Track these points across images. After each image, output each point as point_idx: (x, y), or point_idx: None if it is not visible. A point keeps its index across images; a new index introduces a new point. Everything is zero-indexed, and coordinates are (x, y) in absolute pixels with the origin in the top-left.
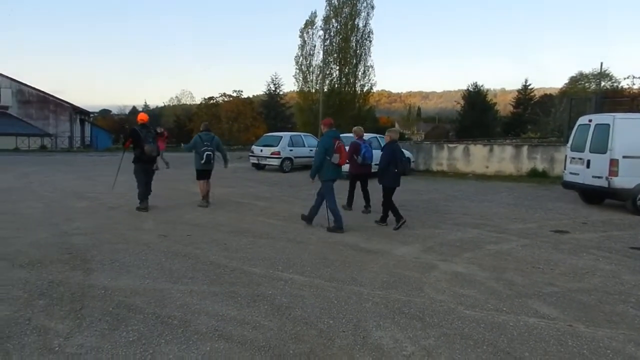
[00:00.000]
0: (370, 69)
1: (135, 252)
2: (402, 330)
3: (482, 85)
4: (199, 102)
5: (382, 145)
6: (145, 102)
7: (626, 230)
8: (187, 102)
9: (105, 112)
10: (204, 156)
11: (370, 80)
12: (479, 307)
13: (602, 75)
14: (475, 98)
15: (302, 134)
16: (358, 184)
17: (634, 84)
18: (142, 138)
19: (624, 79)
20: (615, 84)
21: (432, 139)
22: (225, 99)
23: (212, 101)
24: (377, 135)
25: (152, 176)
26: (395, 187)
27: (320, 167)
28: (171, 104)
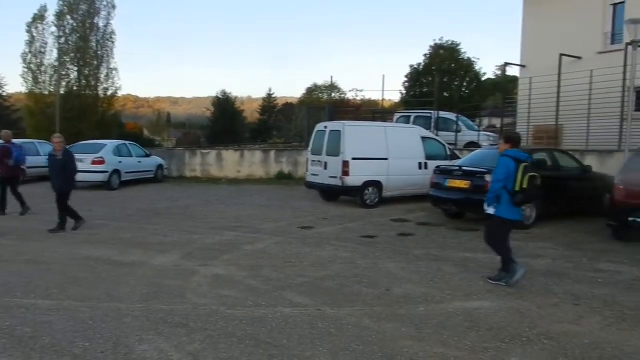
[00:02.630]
0: (114, 72)
1: None
2: (167, 340)
3: (230, 93)
4: None
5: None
6: None
7: (357, 222)
8: None
9: None
10: None
11: (114, 83)
12: (240, 305)
13: (333, 87)
14: (225, 105)
15: (36, 141)
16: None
17: (357, 96)
18: None
19: (349, 91)
20: (342, 95)
21: (185, 145)
22: None
23: None
24: (127, 143)
25: None
26: (70, 190)
27: None
28: None
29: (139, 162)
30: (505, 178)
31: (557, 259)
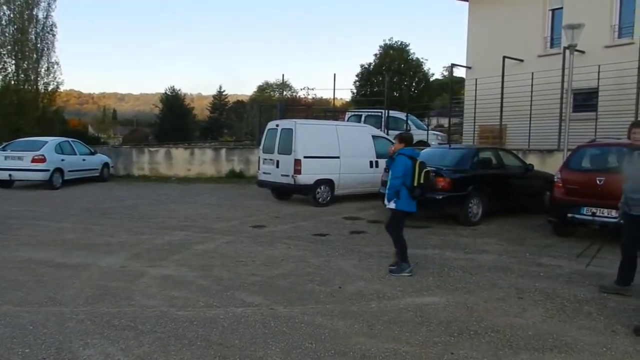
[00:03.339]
0: (55, 66)
1: None
2: (113, 344)
3: (179, 90)
4: None
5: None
6: None
7: (309, 220)
8: None
9: None
10: None
11: (56, 78)
12: (191, 306)
13: (284, 85)
14: (174, 102)
15: None
16: None
17: (308, 95)
18: None
19: (301, 89)
20: (294, 94)
21: (132, 142)
22: None
23: None
24: (70, 140)
25: None
26: None
27: None
28: None
29: (83, 160)
30: (403, 175)
31: (502, 254)
